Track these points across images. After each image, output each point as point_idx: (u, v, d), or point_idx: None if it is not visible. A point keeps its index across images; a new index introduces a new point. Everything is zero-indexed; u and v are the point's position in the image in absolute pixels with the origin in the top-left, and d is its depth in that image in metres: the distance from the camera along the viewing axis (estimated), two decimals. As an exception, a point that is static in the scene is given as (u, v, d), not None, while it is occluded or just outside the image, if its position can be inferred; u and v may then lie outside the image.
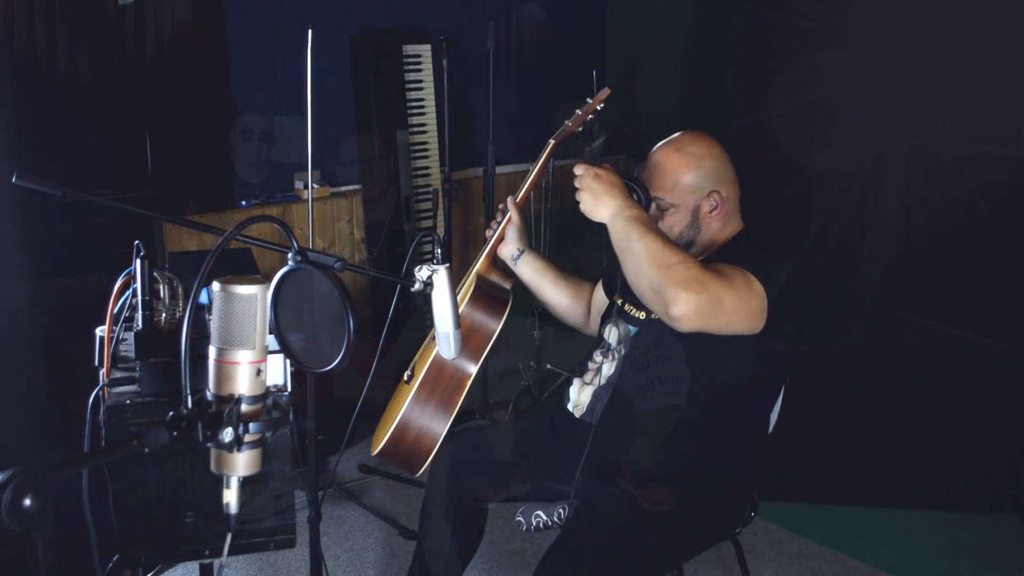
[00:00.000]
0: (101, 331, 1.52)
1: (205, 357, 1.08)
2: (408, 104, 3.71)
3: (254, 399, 1.07)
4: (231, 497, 1.08)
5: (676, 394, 1.79)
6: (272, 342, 1.13)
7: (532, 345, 4.00)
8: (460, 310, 1.89)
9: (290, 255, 1.19)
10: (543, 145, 2.02)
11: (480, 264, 2.03)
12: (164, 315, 1.51)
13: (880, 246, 2.85)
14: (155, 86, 3.06)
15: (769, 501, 2.90)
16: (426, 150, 3.79)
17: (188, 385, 1.04)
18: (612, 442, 1.84)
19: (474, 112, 4.09)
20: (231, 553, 1.18)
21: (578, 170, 1.77)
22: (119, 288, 1.54)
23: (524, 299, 2.23)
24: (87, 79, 2.31)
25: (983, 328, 2.85)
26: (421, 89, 3.74)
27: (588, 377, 1.93)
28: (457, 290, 1.94)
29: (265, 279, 1.11)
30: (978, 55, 2.67)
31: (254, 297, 1.06)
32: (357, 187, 3.79)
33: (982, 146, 2.71)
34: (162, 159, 3.01)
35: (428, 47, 3.73)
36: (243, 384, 1.07)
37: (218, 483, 1.08)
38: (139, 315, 1.48)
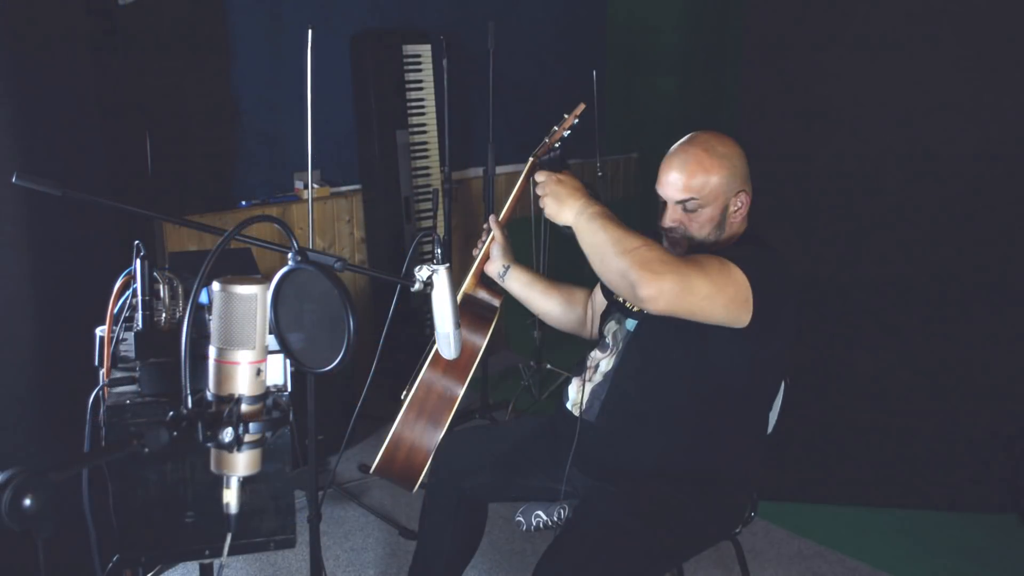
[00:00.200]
0: (101, 331, 1.52)
1: (205, 357, 1.08)
2: (408, 104, 3.71)
3: (254, 399, 1.08)
4: (231, 497, 1.08)
5: (673, 391, 1.80)
6: (272, 342, 1.13)
7: (532, 345, 4.00)
8: None
9: (290, 255, 1.19)
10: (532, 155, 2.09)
11: (467, 283, 2.11)
12: (164, 315, 1.51)
13: (881, 246, 2.85)
14: (155, 86, 3.06)
15: (769, 501, 2.91)
16: (426, 150, 3.79)
17: (188, 385, 1.04)
18: (610, 439, 1.84)
19: (474, 112, 4.09)
20: (231, 553, 1.18)
21: (539, 177, 1.82)
22: (119, 288, 1.54)
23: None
24: (87, 79, 2.31)
25: (983, 328, 2.85)
26: (421, 89, 3.74)
27: (587, 375, 1.93)
28: None
29: (265, 279, 1.11)
30: (979, 55, 2.67)
31: (254, 297, 1.07)
32: (357, 187, 3.79)
33: (981, 147, 2.72)
34: (162, 159, 3.01)
35: (428, 47, 3.73)
36: (243, 384, 1.07)
37: (218, 483, 1.08)
38: (139, 315, 1.48)
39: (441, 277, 1.52)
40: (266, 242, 1.46)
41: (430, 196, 3.77)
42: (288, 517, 1.53)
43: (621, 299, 1.96)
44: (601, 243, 1.68)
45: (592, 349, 1.99)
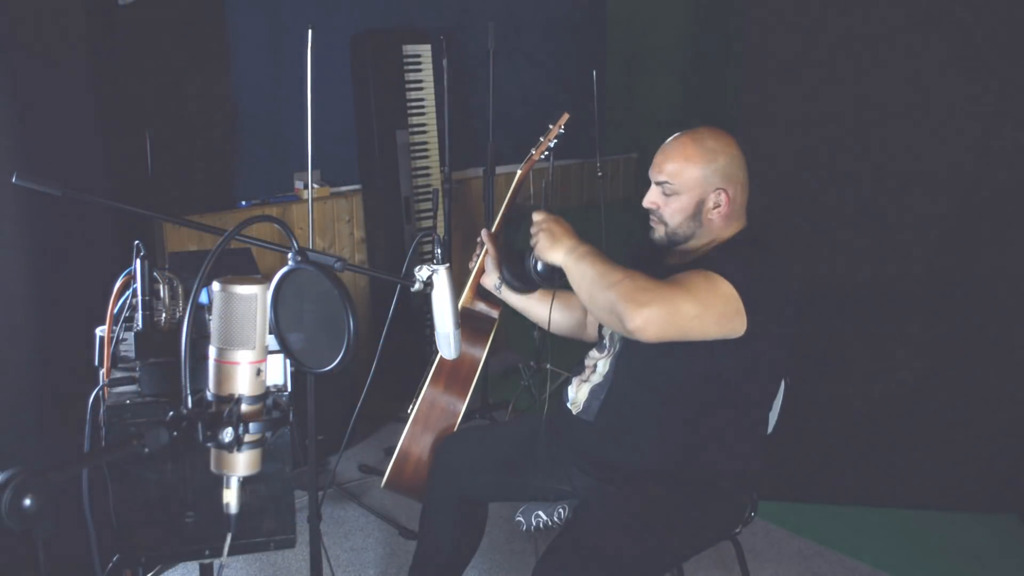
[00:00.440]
0: (101, 331, 1.52)
1: (205, 357, 1.08)
2: (408, 104, 3.71)
3: (254, 399, 1.08)
4: (231, 497, 1.09)
5: (671, 391, 1.80)
6: (272, 342, 1.13)
7: (532, 345, 4.00)
8: None
9: (290, 255, 1.19)
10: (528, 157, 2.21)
11: (464, 296, 2.18)
12: (164, 315, 1.51)
13: (881, 246, 2.85)
14: (155, 86, 3.06)
15: (769, 501, 2.91)
16: (426, 150, 3.79)
17: (188, 385, 1.04)
18: (609, 439, 1.85)
19: (474, 112, 4.09)
20: (231, 553, 1.18)
21: (537, 216, 1.85)
22: (119, 288, 1.54)
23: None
24: (87, 79, 2.31)
25: (983, 328, 2.85)
26: (421, 89, 3.73)
27: (585, 375, 1.93)
28: None
29: (265, 279, 1.11)
30: (980, 56, 2.67)
31: (254, 297, 1.07)
32: (357, 187, 3.79)
33: (983, 147, 2.72)
34: (162, 159, 3.01)
35: (428, 47, 3.73)
36: (243, 384, 1.07)
37: (218, 483, 1.08)
38: (139, 315, 1.48)
39: (441, 277, 1.52)
40: (266, 242, 1.46)
41: (430, 196, 3.77)
42: (288, 517, 1.53)
43: None
44: (588, 279, 1.71)
45: (591, 349, 1.99)
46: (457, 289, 1.59)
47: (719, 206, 1.81)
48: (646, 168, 1.92)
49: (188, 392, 1.04)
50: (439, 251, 1.56)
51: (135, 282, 1.49)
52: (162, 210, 1.47)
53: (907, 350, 2.90)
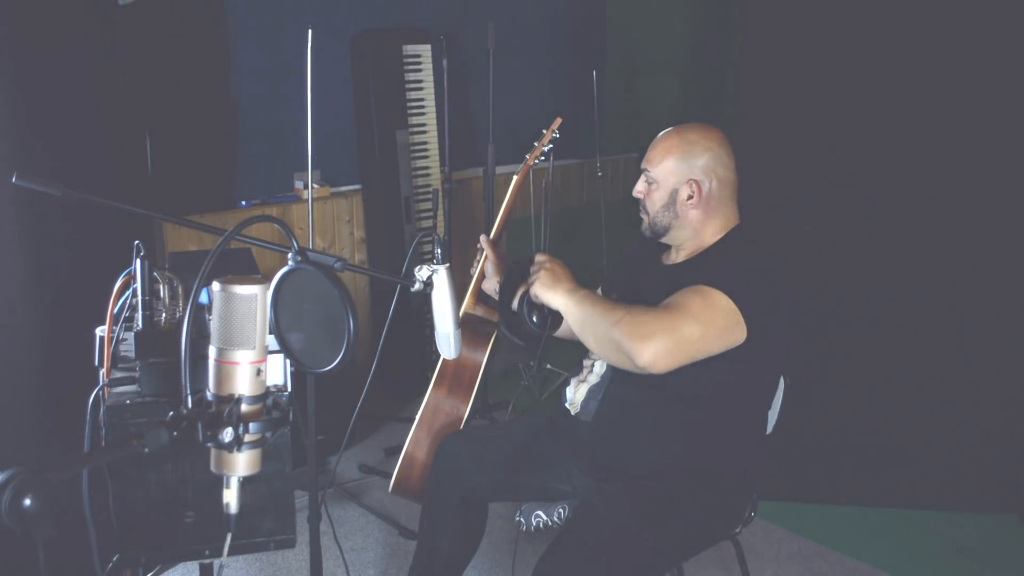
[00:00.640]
0: (101, 331, 1.52)
1: (205, 357, 1.08)
2: (408, 104, 3.71)
3: (254, 399, 1.08)
4: (231, 497, 1.08)
5: (668, 390, 1.79)
6: (272, 342, 1.13)
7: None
8: None
9: (290, 255, 1.19)
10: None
11: (466, 303, 2.22)
12: (164, 315, 1.51)
13: (882, 247, 2.85)
14: (155, 86, 3.06)
15: (769, 501, 2.91)
16: (426, 150, 3.79)
17: (188, 385, 1.04)
18: (607, 439, 1.85)
19: (474, 112, 4.09)
20: (231, 553, 1.18)
21: (540, 257, 1.86)
22: (119, 288, 1.54)
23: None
24: (87, 79, 2.31)
25: (983, 329, 2.85)
26: (421, 89, 3.73)
27: (583, 375, 1.93)
28: None
29: (265, 279, 1.11)
30: (981, 57, 2.68)
31: (254, 297, 1.06)
32: (357, 187, 3.79)
33: (984, 148, 2.72)
34: (162, 159, 3.01)
35: (428, 47, 3.73)
36: (243, 384, 1.07)
37: (218, 483, 1.08)
38: (139, 315, 1.48)
39: (441, 277, 1.52)
40: (266, 242, 1.46)
41: (430, 196, 3.77)
42: (288, 517, 1.53)
43: (616, 299, 1.97)
44: (590, 320, 1.71)
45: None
46: (457, 291, 1.59)
47: (692, 197, 1.83)
48: (645, 168, 1.93)
49: (188, 392, 1.04)
50: (439, 251, 1.56)
51: (135, 282, 1.49)
52: (162, 210, 1.47)
53: (907, 350, 2.90)
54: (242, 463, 1.07)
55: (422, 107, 3.75)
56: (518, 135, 4.06)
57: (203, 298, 1.29)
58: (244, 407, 1.07)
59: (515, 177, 2.26)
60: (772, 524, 2.90)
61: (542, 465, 1.97)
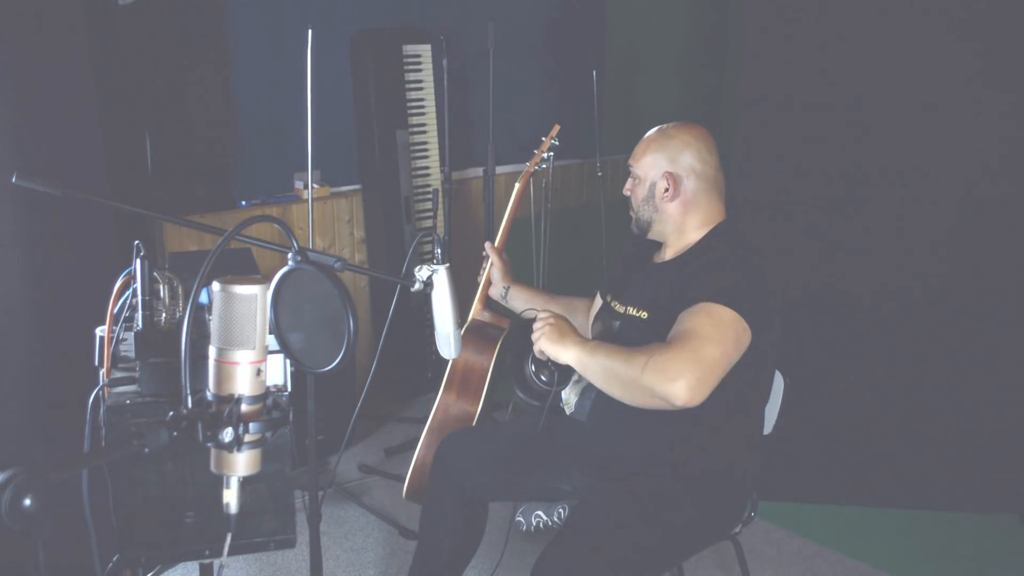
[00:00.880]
0: (101, 331, 1.52)
1: (205, 357, 1.08)
2: (408, 104, 3.71)
3: (254, 399, 1.08)
4: (231, 497, 1.09)
5: None
6: (272, 342, 1.13)
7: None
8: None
9: (290, 255, 1.19)
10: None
11: (474, 309, 2.26)
12: (164, 315, 1.51)
13: (882, 248, 2.85)
14: (155, 86, 3.06)
15: (769, 501, 2.91)
16: (426, 150, 3.79)
17: (188, 385, 1.04)
18: (602, 438, 1.85)
19: (474, 112, 4.09)
20: (231, 553, 1.18)
21: (541, 314, 1.83)
22: (119, 288, 1.54)
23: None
24: (87, 79, 2.31)
25: (983, 329, 2.85)
26: (421, 89, 3.73)
27: (576, 375, 1.93)
28: None
29: (265, 279, 1.11)
30: (982, 58, 2.68)
31: (254, 297, 1.07)
32: (357, 187, 3.78)
33: (983, 147, 2.72)
34: (162, 159, 3.00)
35: (428, 47, 3.73)
36: (243, 384, 1.07)
37: (218, 483, 1.08)
38: (139, 315, 1.48)
39: (441, 277, 1.52)
40: (266, 242, 1.46)
41: (430, 196, 3.77)
42: (288, 517, 1.53)
43: (609, 299, 1.98)
44: (613, 372, 1.67)
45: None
46: (462, 295, 1.59)
47: (667, 191, 1.84)
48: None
49: (188, 392, 1.04)
50: (439, 251, 1.56)
51: (135, 282, 1.49)
52: (162, 210, 1.47)
53: (907, 351, 2.91)
54: (242, 463, 1.07)
55: (422, 107, 3.75)
56: (518, 135, 4.07)
57: (203, 298, 1.29)
58: (244, 407, 1.07)
59: (516, 185, 2.29)
60: (772, 524, 2.90)
61: (542, 465, 1.97)
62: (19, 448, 2.16)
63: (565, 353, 1.73)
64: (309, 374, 2.20)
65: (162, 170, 3.00)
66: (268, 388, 1.11)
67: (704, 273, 1.75)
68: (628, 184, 1.94)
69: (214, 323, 1.07)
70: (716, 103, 4.71)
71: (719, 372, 1.63)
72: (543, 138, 2.30)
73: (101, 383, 1.47)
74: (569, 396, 1.91)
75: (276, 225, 1.23)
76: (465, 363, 2.19)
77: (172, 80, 3.13)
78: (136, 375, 1.47)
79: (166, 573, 2.55)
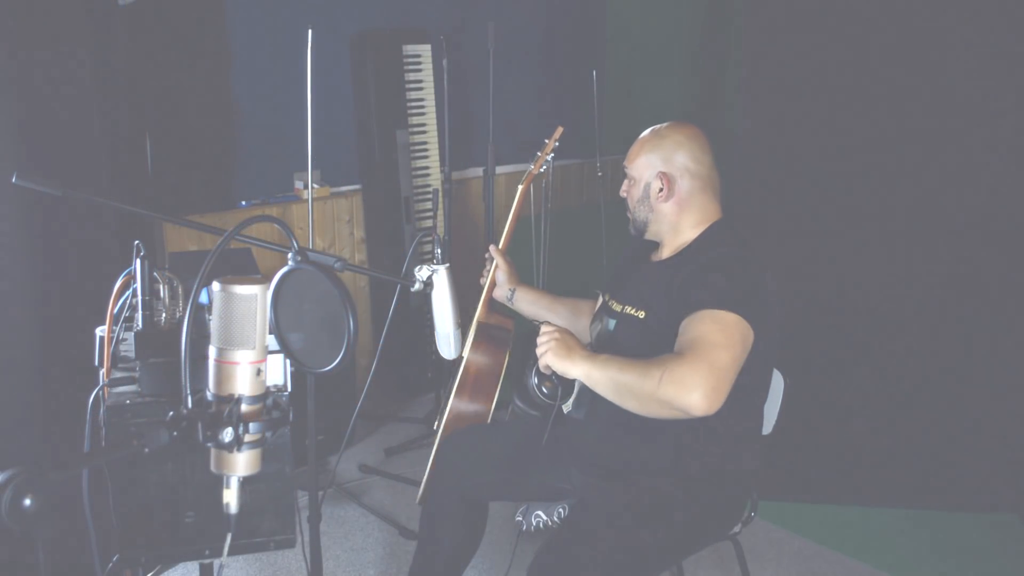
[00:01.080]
0: (101, 331, 1.52)
1: (205, 357, 1.08)
2: (408, 104, 3.71)
3: (254, 399, 1.08)
4: (231, 497, 1.09)
5: None
6: (272, 342, 1.13)
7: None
8: (467, 357, 2.09)
9: (290, 255, 1.19)
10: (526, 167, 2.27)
11: (479, 312, 2.25)
12: (164, 315, 1.51)
13: (882, 247, 2.85)
14: (155, 86, 3.06)
15: (769, 501, 2.91)
16: (426, 150, 3.79)
17: (188, 385, 1.04)
18: (600, 437, 1.85)
19: (474, 112, 4.09)
20: (231, 553, 1.18)
21: (546, 327, 1.78)
22: (119, 288, 1.54)
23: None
24: (87, 79, 2.31)
25: (983, 329, 2.85)
26: (421, 89, 3.73)
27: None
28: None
29: (265, 279, 1.11)
30: (982, 58, 2.68)
31: (254, 297, 1.07)
32: (357, 187, 3.78)
33: (984, 148, 2.72)
34: (162, 159, 3.01)
35: (428, 47, 3.73)
36: (243, 384, 1.07)
37: (218, 483, 1.08)
38: (139, 315, 1.48)
39: (441, 277, 1.53)
40: (266, 242, 1.46)
41: (430, 196, 3.77)
42: (288, 517, 1.53)
43: (607, 298, 1.98)
44: (627, 387, 1.65)
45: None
46: (462, 296, 1.59)
47: (662, 190, 1.85)
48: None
49: (188, 392, 1.04)
50: (439, 251, 1.57)
51: (135, 282, 1.50)
52: (162, 210, 1.47)
53: (907, 350, 2.90)
54: (242, 463, 1.07)
55: (422, 107, 3.75)
56: (518, 135, 4.07)
57: (203, 298, 1.29)
58: (244, 407, 1.07)
59: (519, 187, 2.28)
60: (772, 524, 2.90)
61: (542, 464, 1.97)
62: (19, 448, 2.16)
63: (574, 368, 1.70)
64: (309, 374, 2.19)
65: (162, 170, 3.00)
66: (268, 388, 1.11)
67: (702, 276, 1.74)
68: (624, 186, 1.94)
69: (214, 323, 1.07)
70: (716, 103, 4.71)
71: (732, 377, 1.63)
72: (546, 140, 2.30)
73: (101, 383, 1.47)
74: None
75: (276, 225, 1.23)
76: (477, 367, 2.18)
77: (172, 80, 3.14)
78: (136, 375, 1.47)
79: (166, 573, 2.55)
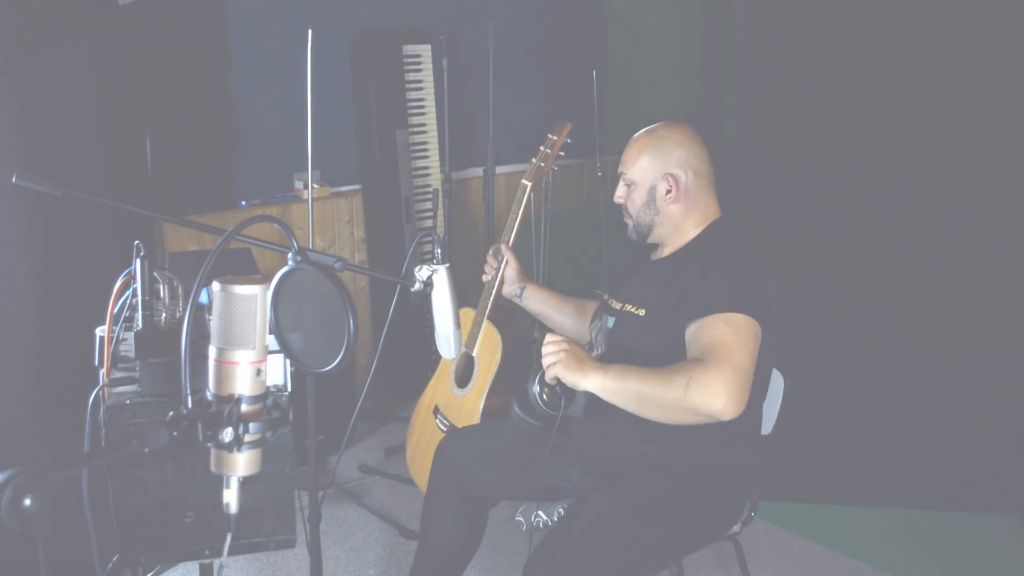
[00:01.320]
0: (101, 331, 1.52)
1: (205, 357, 1.08)
2: (408, 104, 3.71)
3: (254, 399, 1.08)
4: (231, 497, 1.09)
5: None
6: (272, 342, 1.13)
7: (533, 347, 4.00)
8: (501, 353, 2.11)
9: (290, 255, 1.19)
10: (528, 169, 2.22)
11: (488, 309, 2.26)
12: (164, 315, 1.51)
13: (882, 247, 2.85)
14: (155, 86, 3.06)
15: (769, 501, 2.91)
16: (426, 150, 3.79)
17: (188, 385, 1.04)
18: (598, 435, 1.85)
19: (474, 112, 4.09)
20: (231, 553, 1.18)
21: (551, 337, 1.75)
22: (119, 288, 1.54)
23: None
24: (87, 79, 2.31)
25: (983, 328, 2.85)
26: (421, 89, 3.73)
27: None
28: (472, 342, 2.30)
29: (265, 279, 1.11)
30: (982, 58, 2.68)
31: (254, 297, 1.07)
32: (357, 187, 3.79)
33: (983, 148, 2.72)
34: (162, 159, 3.01)
35: (428, 47, 3.73)
36: (243, 384, 1.07)
37: (218, 483, 1.08)
38: (139, 315, 1.48)
39: (441, 277, 1.52)
40: (266, 242, 1.46)
41: (430, 196, 3.77)
42: (288, 517, 1.53)
43: (607, 297, 1.98)
44: (648, 396, 1.62)
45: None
46: (459, 291, 1.59)
47: (670, 192, 1.84)
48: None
49: (188, 392, 1.04)
50: (439, 251, 1.57)
51: (135, 282, 1.50)
52: (162, 210, 1.47)
53: (907, 350, 2.90)
54: (242, 463, 1.07)
55: (422, 107, 3.75)
56: (518, 135, 4.07)
57: (203, 298, 1.29)
58: (244, 407, 1.07)
59: (528, 184, 2.24)
60: (772, 524, 2.90)
61: (542, 463, 1.97)
62: (19, 448, 2.16)
63: (586, 381, 1.67)
64: (309, 374, 2.20)
65: (162, 170, 3.00)
66: (268, 388, 1.11)
67: (705, 278, 1.74)
68: (620, 192, 1.90)
69: (214, 323, 1.07)
70: (716, 103, 4.71)
71: (751, 375, 1.63)
72: (554, 137, 2.23)
73: (101, 383, 1.47)
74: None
75: (276, 225, 1.23)
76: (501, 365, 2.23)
77: (172, 80, 3.13)
78: (136, 375, 1.47)
79: (166, 573, 2.55)
